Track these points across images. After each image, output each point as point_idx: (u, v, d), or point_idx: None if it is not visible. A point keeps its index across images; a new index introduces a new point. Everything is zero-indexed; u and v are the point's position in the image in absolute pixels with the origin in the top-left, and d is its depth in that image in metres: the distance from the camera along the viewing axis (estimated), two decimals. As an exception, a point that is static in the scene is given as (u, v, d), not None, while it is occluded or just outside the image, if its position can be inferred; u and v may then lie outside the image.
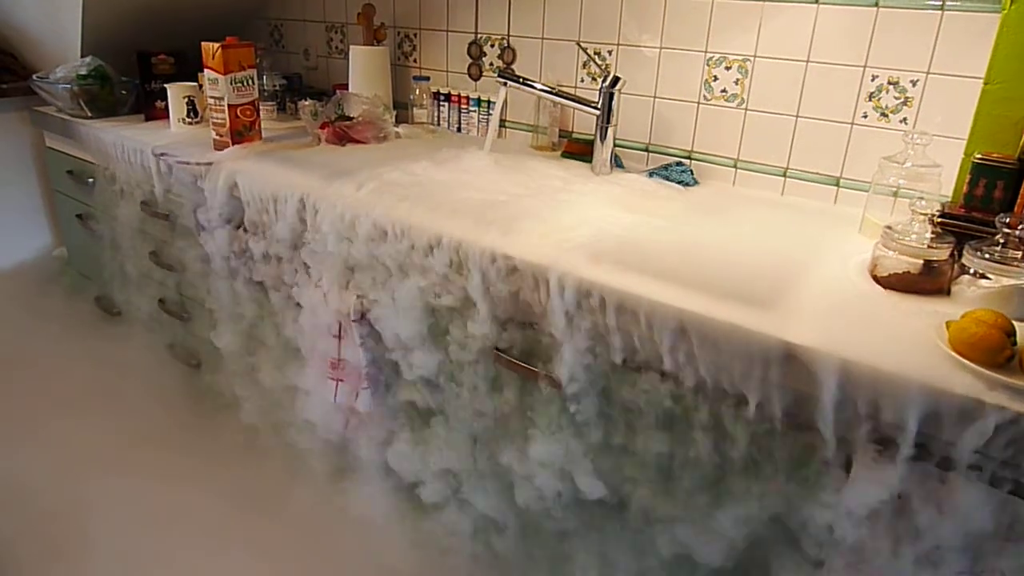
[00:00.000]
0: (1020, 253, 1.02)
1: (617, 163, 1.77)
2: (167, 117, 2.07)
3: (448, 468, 1.48)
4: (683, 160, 1.74)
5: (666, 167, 1.71)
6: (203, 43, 1.72)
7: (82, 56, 2.19)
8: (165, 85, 2.04)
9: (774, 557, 1.07)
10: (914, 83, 1.40)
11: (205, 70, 1.74)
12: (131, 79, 2.20)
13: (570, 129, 1.96)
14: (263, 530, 1.69)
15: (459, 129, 2.17)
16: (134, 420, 2.06)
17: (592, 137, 1.72)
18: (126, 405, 2.12)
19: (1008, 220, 1.03)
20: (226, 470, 1.87)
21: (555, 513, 1.32)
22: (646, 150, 1.82)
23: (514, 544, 1.44)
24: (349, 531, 1.67)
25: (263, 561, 1.62)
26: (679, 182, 1.66)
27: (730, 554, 1.11)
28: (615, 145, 1.73)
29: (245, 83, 1.76)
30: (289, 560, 1.64)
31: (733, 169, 1.68)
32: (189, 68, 2.13)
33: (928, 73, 1.39)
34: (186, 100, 2.03)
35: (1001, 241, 1.04)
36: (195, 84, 2.05)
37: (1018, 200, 1.13)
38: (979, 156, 1.18)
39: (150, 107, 2.17)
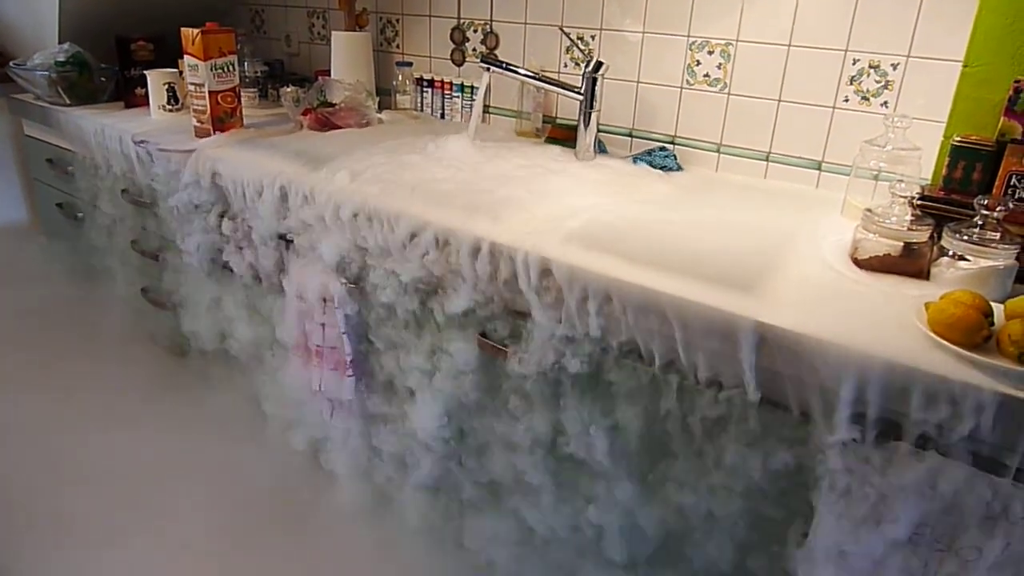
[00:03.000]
0: (998, 235, 1.03)
1: (601, 148, 1.77)
2: (147, 104, 2.05)
3: (431, 451, 1.49)
4: (666, 145, 1.74)
5: (649, 152, 1.71)
6: (183, 29, 1.70)
7: (60, 42, 2.17)
8: (145, 72, 2.02)
9: (748, 537, 1.09)
10: (895, 66, 1.41)
11: (185, 56, 1.72)
12: (110, 66, 2.18)
13: (554, 115, 1.95)
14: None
15: (443, 115, 2.16)
16: (115, 407, 2.05)
17: (576, 122, 1.72)
18: (107, 393, 2.11)
19: (986, 202, 1.04)
20: (209, 452, 1.87)
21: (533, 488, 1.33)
22: (630, 135, 1.82)
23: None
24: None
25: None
26: (662, 167, 1.66)
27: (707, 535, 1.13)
28: (599, 130, 1.73)
29: (226, 69, 1.75)
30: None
31: (716, 154, 1.69)
32: (169, 54, 2.11)
33: (909, 56, 1.39)
34: (166, 87, 2.01)
35: (979, 223, 1.05)
36: (175, 71, 2.03)
37: (996, 182, 1.14)
38: (958, 139, 1.19)
39: (130, 94, 2.15)
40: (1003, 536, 0.86)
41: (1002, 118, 1.15)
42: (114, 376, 2.16)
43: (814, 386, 0.92)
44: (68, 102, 2.14)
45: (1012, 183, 1.12)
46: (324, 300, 1.48)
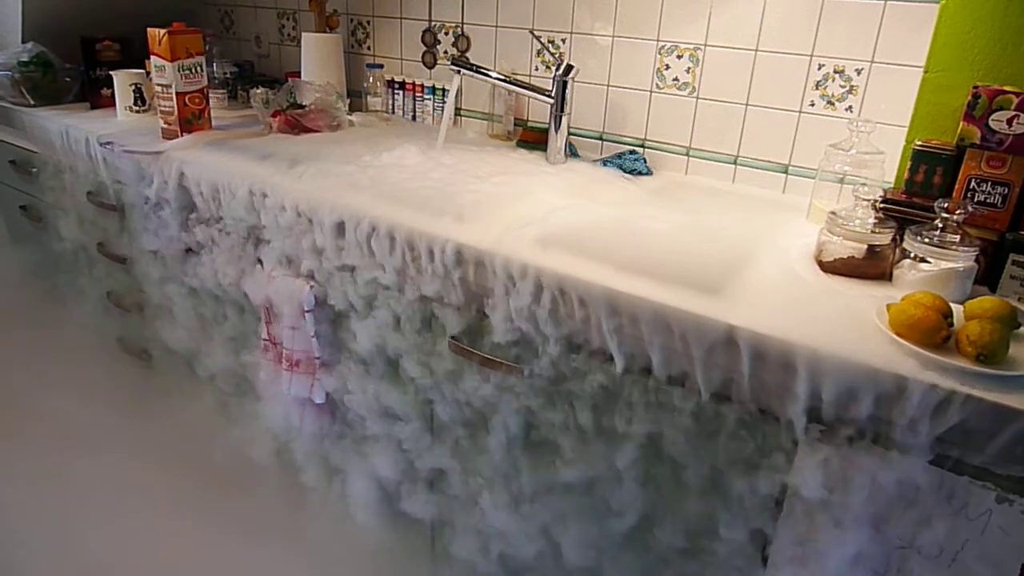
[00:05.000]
0: (958, 237, 1.05)
1: (572, 152, 1.77)
2: (113, 105, 2.02)
3: (400, 456, 1.48)
4: (636, 149, 1.76)
5: (620, 156, 1.72)
6: (149, 29, 1.68)
7: (23, 42, 2.13)
8: (111, 72, 1.99)
9: (715, 538, 1.10)
10: (859, 72, 1.43)
11: (152, 57, 1.70)
12: (75, 66, 2.15)
13: (525, 117, 1.96)
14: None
15: (414, 117, 2.16)
16: (81, 413, 2.02)
17: (547, 126, 1.72)
18: (73, 400, 2.07)
19: (946, 205, 1.06)
20: (178, 465, 1.85)
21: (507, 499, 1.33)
22: (600, 138, 1.83)
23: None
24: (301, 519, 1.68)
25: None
26: (632, 171, 1.67)
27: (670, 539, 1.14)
28: (569, 134, 1.73)
29: (193, 70, 1.73)
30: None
31: (685, 157, 1.70)
32: (136, 55, 2.08)
33: (872, 62, 1.42)
34: (133, 88, 1.98)
35: (940, 226, 1.07)
36: (142, 71, 2.00)
37: (956, 186, 1.16)
38: (919, 143, 1.21)
39: (95, 95, 2.12)
40: (963, 533, 0.88)
41: (961, 123, 1.17)
42: (78, 383, 2.13)
43: (778, 386, 0.94)
44: (32, 102, 2.10)
45: (971, 187, 1.14)
46: (293, 303, 1.47)
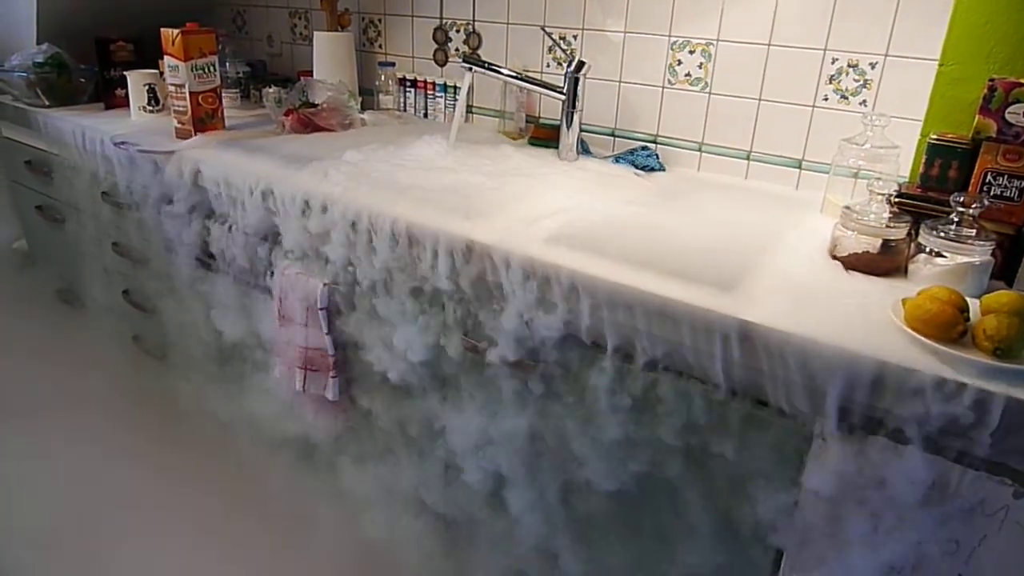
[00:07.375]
0: (974, 232, 1.04)
1: (584, 148, 1.77)
2: (127, 105, 2.04)
3: (414, 455, 1.49)
4: (648, 145, 1.75)
5: (632, 152, 1.71)
6: (163, 29, 1.69)
7: (38, 43, 2.15)
8: (125, 72, 2.01)
9: (730, 534, 1.09)
10: (873, 65, 1.42)
11: (165, 57, 1.71)
12: (89, 67, 2.16)
13: (537, 114, 1.96)
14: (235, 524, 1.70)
15: (426, 115, 2.16)
16: (98, 415, 2.04)
17: (559, 122, 1.72)
18: (90, 399, 2.09)
19: (962, 199, 1.05)
20: (193, 461, 1.86)
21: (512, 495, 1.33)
22: (612, 135, 1.82)
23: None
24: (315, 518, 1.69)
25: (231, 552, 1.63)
26: (644, 167, 1.66)
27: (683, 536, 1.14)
28: (581, 130, 1.73)
29: (207, 70, 1.74)
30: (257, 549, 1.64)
31: (698, 153, 1.69)
32: (149, 55, 2.10)
33: (886, 55, 1.41)
34: (147, 88, 2.00)
35: (955, 220, 1.06)
36: (156, 71, 2.02)
37: (972, 179, 1.15)
38: (934, 137, 1.20)
39: (110, 95, 2.13)
40: (980, 529, 0.87)
41: (977, 116, 1.16)
42: (93, 382, 2.15)
43: (794, 382, 0.93)
44: (47, 103, 2.12)
45: (987, 180, 1.13)
46: (307, 301, 1.48)
